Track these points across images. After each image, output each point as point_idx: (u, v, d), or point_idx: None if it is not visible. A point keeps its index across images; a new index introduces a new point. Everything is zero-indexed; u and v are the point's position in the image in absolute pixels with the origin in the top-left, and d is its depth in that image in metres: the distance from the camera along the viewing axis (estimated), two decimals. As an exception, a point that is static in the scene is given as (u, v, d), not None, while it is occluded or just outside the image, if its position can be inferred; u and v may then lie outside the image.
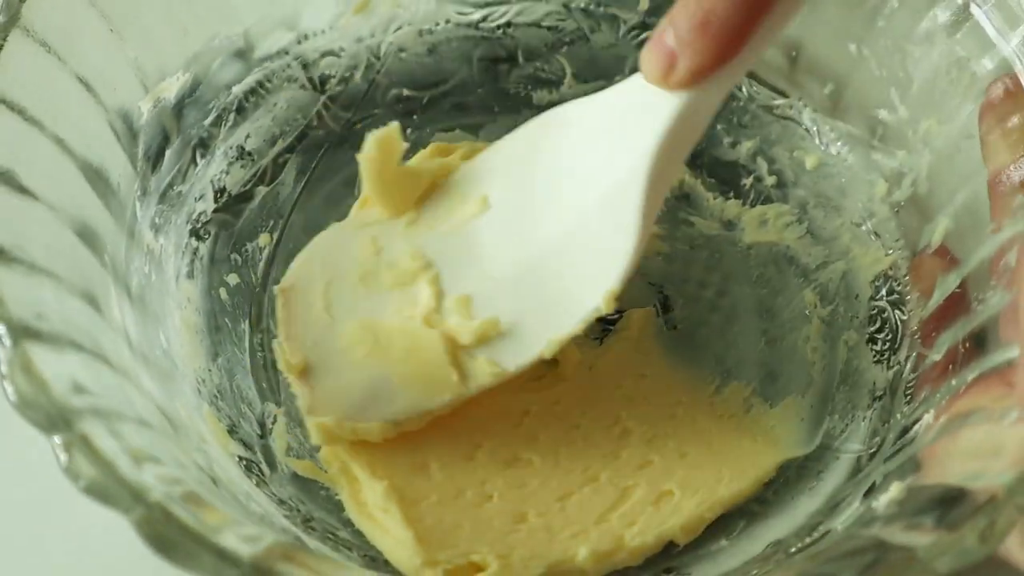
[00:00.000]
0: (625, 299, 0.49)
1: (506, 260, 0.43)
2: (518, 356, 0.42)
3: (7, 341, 0.33)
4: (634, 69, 0.53)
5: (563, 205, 0.42)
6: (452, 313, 0.43)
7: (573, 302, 0.41)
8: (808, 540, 0.39)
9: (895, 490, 0.35)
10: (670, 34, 0.37)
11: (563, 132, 0.43)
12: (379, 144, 0.44)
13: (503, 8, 0.54)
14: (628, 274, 0.40)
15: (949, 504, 0.32)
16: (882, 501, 0.35)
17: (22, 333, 0.33)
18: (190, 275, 0.47)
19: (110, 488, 0.30)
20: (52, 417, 0.32)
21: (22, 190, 0.37)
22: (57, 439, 0.31)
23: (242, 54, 0.50)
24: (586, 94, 0.53)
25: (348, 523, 0.42)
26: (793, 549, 0.39)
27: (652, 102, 0.38)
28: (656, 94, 0.38)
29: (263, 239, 0.50)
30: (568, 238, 0.42)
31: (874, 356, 0.46)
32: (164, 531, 0.30)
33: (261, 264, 0.49)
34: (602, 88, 0.53)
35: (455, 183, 0.46)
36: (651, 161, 0.39)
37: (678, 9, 0.36)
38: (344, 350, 0.43)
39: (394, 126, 0.44)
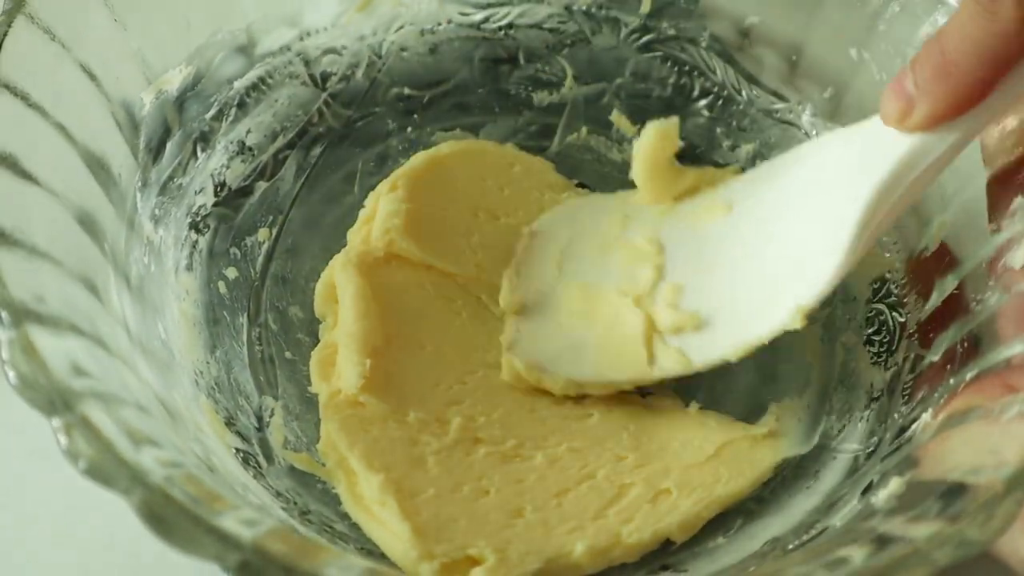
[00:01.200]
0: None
1: (725, 262, 0.45)
2: (706, 353, 0.43)
3: (8, 322, 0.32)
4: (635, 72, 0.55)
5: (784, 224, 0.43)
6: (662, 298, 0.45)
7: (768, 313, 0.42)
8: (805, 538, 0.39)
9: (895, 485, 0.35)
10: (909, 79, 0.38)
11: (803, 159, 0.44)
12: (659, 133, 0.47)
13: (505, 9, 0.55)
14: (823, 296, 0.41)
15: (949, 498, 0.32)
16: (882, 496, 0.35)
17: (23, 315, 0.33)
18: (189, 268, 0.47)
19: (110, 469, 0.30)
20: (52, 399, 0.31)
21: (24, 174, 0.37)
22: (57, 421, 0.31)
23: (244, 49, 0.50)
24: (587, 96, 0.55)
25: (345, 516, 0.42)
26: (790, 547, 0.39)
27: (886, 140, 0.39)
28: (891, 134, 0.39)
29: (262, 234, 0.50)
30: (779, 253, 0.43)
31: (872, 357, 0.46)
32: (164, 513, 0.30)
33: (260, 259, 0.49)
34: (602, 91, 0.55)
35: (713, 190, 0.48)
36: (873, 192, 0.39)
37: (921, 56, 0.37)
38: (559, 304, 0.46)
39: (674, 120, 0.47)
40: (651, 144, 0.47)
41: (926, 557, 0.30)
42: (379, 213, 0.48)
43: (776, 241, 0.43)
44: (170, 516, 0.30)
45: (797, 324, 0.41)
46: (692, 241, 0.46)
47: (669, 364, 0.44)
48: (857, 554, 0.31)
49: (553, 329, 0.46)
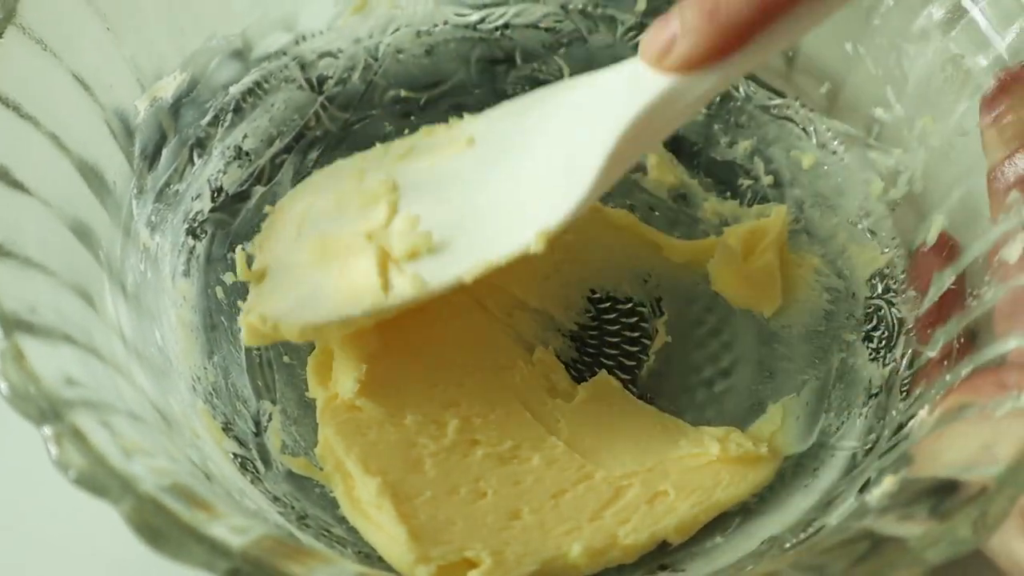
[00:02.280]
0: (621, 295, 0.50)
1: (465, 190, 0.44)
2: (441, 274, 0.43)
3: (-1, 333, 0.33)
4: (631, 70, 0.54)
5: (532, 152, 0.43)
6: (396, 229, 0.44)
7: (508, 235, 0.42)
8: (803, 536, 0.39)
9: (888, 483, 0.35)
10: (675, 17, 0.37)
11: (558, 95, 0.44)
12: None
13: (501, 10, 0.54)
14: (565, 222, 0.41)
15: (941, 495, 0.32)
16: (875, 494, 0.35)
17: (15, 325, 0.33)
18: (186, 274, 0.47)
19: (100, 479, 0.30)
20: (43, 409, 0.32)
21: (16, 185, 0.37)
22: (47, 430, 0.31)
23: (239, 54, 0.50)
24: (583, 95, 0.54)
25: (342, 520, 0.42)
26: (788, 545, 0.39)
27: (641, 78, 0.39)
28: (648, 73, 0.38)
29: (259, 239, 0.50)
30: (525, 180, 0.43)
31: (870, 354, 0.45)
32: (154, 522, 0.30)
33: (258, 263, 0.49)
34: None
35: (448, 127, 0.47)
36: (623, 129, 0.39)
37: None
38: (295, 260, 0.45)
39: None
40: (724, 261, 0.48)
41: (917, 555, 0.30)
42: None
43: (523, 171, 0.43)
44: (160, 525, 0.30)
45: (540, 247, 0.40)
46: (430, 176, 0.46)
47: (404, 288, 0.43)
48: (849, 553, 0.31)
49: (288, 283, 0.45)
